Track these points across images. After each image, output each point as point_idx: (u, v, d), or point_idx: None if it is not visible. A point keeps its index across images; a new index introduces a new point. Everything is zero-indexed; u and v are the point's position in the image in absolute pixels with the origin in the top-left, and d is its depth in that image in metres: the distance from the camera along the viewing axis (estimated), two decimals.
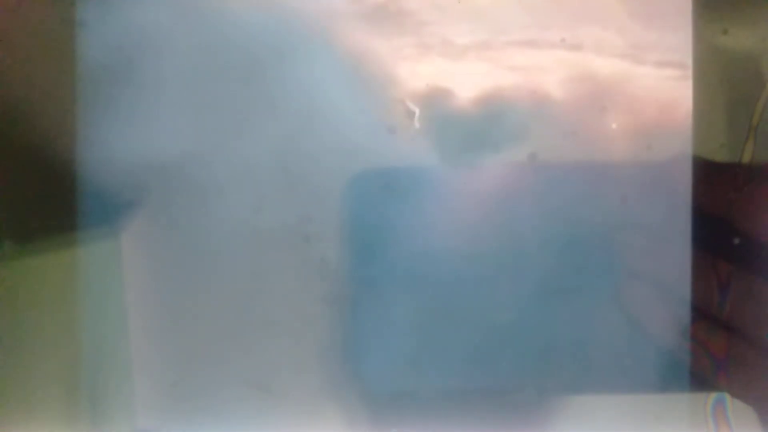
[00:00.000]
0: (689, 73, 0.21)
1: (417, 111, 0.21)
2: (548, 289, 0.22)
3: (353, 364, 0.22)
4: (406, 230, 0.22)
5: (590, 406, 0.22)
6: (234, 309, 0.22)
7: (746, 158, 0.21)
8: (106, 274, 0.22)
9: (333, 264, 0.22)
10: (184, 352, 0.22)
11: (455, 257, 0.22)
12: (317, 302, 0.22)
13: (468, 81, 0.22)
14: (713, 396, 0.21)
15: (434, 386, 0.22)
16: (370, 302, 0.22)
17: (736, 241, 0.21)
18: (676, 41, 0.21)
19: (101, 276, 0.22)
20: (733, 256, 0.21)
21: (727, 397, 0.21)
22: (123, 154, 0.21)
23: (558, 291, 0.22)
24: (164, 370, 0.22)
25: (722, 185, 0.21)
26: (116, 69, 0.21)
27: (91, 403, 0.22)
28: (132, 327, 0.22)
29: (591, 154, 0.22)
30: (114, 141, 0.21)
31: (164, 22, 0.22)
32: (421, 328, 0.22)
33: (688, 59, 0.21)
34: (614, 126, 0.22)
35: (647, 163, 0.21)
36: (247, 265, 0.22)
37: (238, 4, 0.22)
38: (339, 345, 0.22)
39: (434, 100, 0.22)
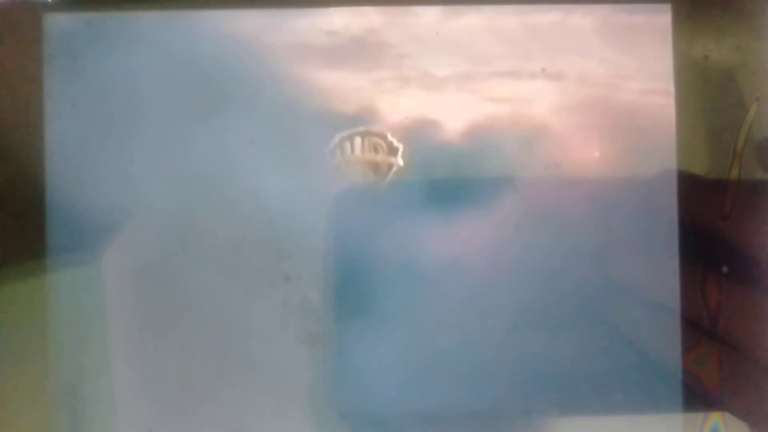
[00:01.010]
0: (672, 99, 0.21)
1: (401, 147, 0.21)
2: (537, 316, 0.21)
3: (336, 406, 0.21)
4: (389, 266, 0.21)
5: (583, 427, 0.21)
6: (213, 351, 0.21)
7: (732, 182, 0.21)
8: (80, 314, 0.21)
9: (314, 303, 0.21)
10: (160, 396, 0.21)
11: (441, 290, 0.21)
12: (299, 342, 0.21)
13: (449, 113, 0.21)
14: (709, 423, 0.21)
15: (419, 428, 0.21)
16: (353, 341, 0.21)
17: (725, 269, 0.21)
18: (657, 68, 0.21)
19: (74, 316, 0.21)
20: (723, 273, 0.21)
21: (721, 423, 0.21)
22: (95, 188, 0.21)
23: (547, 317, 0.21)
24: (140, 416, 0.21)
25: (710, 205, 0.21)
26: (85, 104, 0.21)
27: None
28: (107, 371, 0.21)
29: (575, 184, 0.21)
30: (85, 173, 0.21)
31: (136, 61, 0.21)
32: (405, 366, 0.21)
33: (670, 86, 0.21)
34: (598, 154, 0.21)
35: (632, 190, 0.21)
36: (227, 305, 0.21)
37: (209, 42, 0.21)
38: (321, 386, 0.21)
39: (415, 133, 0.21)
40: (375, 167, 0.21)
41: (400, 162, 0.21)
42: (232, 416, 0.21)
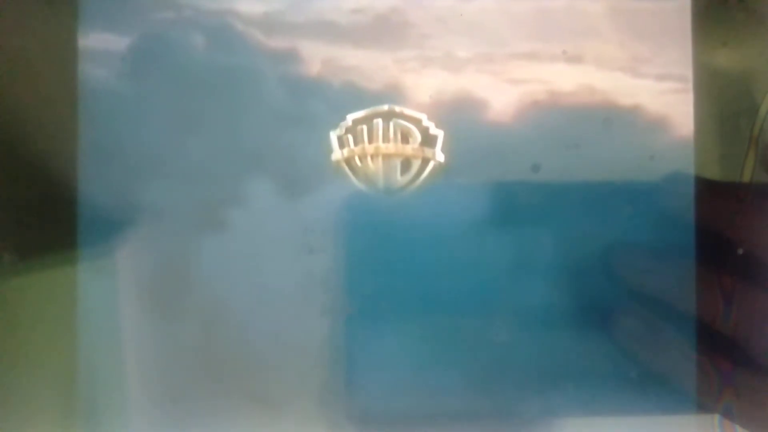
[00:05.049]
0: (689, 85, 0.21)
1: (441, 134, 0.19)
2: (551, 307, 0.21)
3: (353, 379, 0.21)
4: (410, 246, 0.21)
5: (596, 427, 0.22)
6: (238, 320, 0.21)
7: (747, 168, 0.22)
8: (106, 288, 0.21)
9: (337, 276, 0.21)
10: (184, 365, 0.21)
11: (459, 274, 0.21)
12: (321, 314, 0.21)
13: (470, 94, 0.21)
14: (721, 402, 0.21)
15: (434, 404, 0.21)
16: (372, 316, 0.21)
17: (740, 251, 0.21)
18: (675, 54, 0.21)
19: (100, 290, 0.21)
20: (736, 269, 0.21)
21: (734, 404, 0.21)
22: (123, 171, 0.21)
23: (561, 308, 0.21)
24: (164, 385, 0.21)
25: (725, 197, 0.21)
26: (116, 90, 0.21)
27: (90, 420, 0.21)
28: (131, 342, 0.21)
29: (594, 165, 0.21)
30: (114, 159, 0.21)
31: (168, 35, 0.21)
32: (421, 345, 0.21)
33: (688, 71, 0.21)
34: (617, 137, 0.21)
35: (650, 174, 0.21)
36: (250, 277, 0.21)
37: (238, 20, 0.21)
38: (340, 359, 0.21)
39: (437, 113, 0.21)
40: (404, 162, 0.18)
41: (440, 156, 0.18)
42: (255, 384, 0.21)
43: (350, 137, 0.19)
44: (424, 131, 0.19)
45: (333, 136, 0.19)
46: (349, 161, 0.19)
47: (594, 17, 0.21)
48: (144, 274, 0.21)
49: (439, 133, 0.19)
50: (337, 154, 0.19)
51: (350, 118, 0.19)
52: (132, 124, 0.21)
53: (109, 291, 0.21)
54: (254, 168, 0.21)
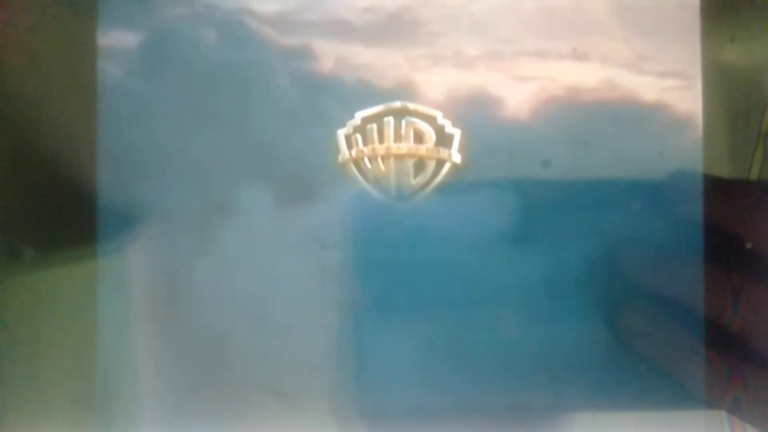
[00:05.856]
0: (698, 81, 0.21)
1: (457, 133, 0.18)
2: (560, 302, 0.21)
3: (365, 374, 0.21)
4: (422, 243, 0.21)
5: (605, 422, 0.22)
6: (253, 314, 0.21)
7: (756, 163, 0.22)
8: (124, 283, 0.21)
9: (350, 271, 0.21)
10: (200, 359, 0.21)
11: (470, 273, 0.21)
12: (334, 308, 0.21)
13: (482, 92, 0.21)
14: (729, 398, 0.22)
15: (444, 399, 0.22)
16: (383, 315, 0.21)
17: (749, 245, 0.21)
18: (684, 50, 0.21)
19: (119, 285, 0.21)
20: (745, 265, 0.21)
21: (742, 400, 0.21)
22: (141, 167, 0.21)
23: (570, 303, 0.21)
24: (180, 377, 0.21)
25: (734, 193, 0.22)
26: (135, 87, 0.21)
27: (106, 410, 0.22)
28: (148, 335, 0.21)
29: (603, 161, 0.21)
30: (133, 155, 0.21)
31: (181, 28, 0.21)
32: (432, 341, 0.21)
33: (697, 67, 0.21)
34: (625, 133, 0.21)
35: (659, 169, 0.21)
36: (264, 271, 0.21)
37: (251, 17, 0.21)
38: (353, 353, 0.21)
39: (449, 111, 0.21)
40: (417, 164, 0.16)
41: (456, 158, 0.17)
42: (269, 375, 0.21)
43: (359, 137, 0.18)
44: (439, 130, 0.18)
45: (340, 135, 0.18)
46: (357, 162, 0.18)
47: (602, 14, 0.21)
48: (161, 268, 0.21)
49: (456, 132, 0.18)
50: (344, 155, 0.17)
51: (359, 115, 0.18)
52: (150, 121, 0.21)
53: (128, 286, 0.21)
54: (267, 165, 0.21)
